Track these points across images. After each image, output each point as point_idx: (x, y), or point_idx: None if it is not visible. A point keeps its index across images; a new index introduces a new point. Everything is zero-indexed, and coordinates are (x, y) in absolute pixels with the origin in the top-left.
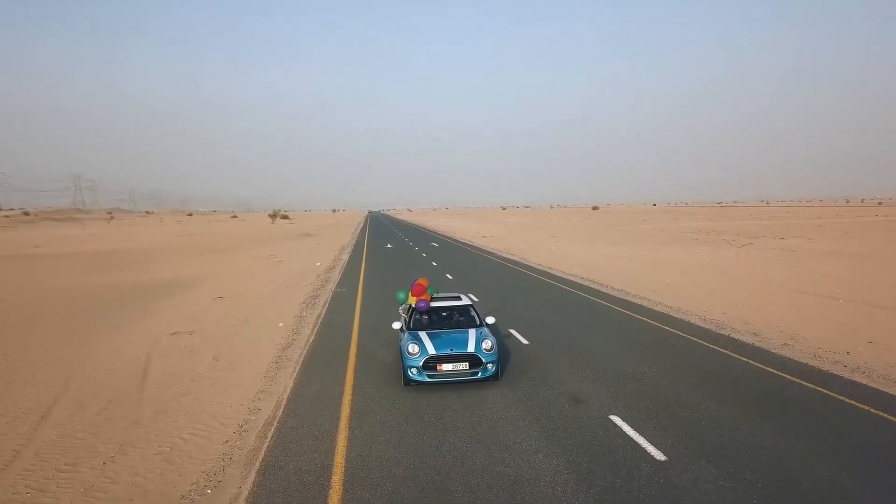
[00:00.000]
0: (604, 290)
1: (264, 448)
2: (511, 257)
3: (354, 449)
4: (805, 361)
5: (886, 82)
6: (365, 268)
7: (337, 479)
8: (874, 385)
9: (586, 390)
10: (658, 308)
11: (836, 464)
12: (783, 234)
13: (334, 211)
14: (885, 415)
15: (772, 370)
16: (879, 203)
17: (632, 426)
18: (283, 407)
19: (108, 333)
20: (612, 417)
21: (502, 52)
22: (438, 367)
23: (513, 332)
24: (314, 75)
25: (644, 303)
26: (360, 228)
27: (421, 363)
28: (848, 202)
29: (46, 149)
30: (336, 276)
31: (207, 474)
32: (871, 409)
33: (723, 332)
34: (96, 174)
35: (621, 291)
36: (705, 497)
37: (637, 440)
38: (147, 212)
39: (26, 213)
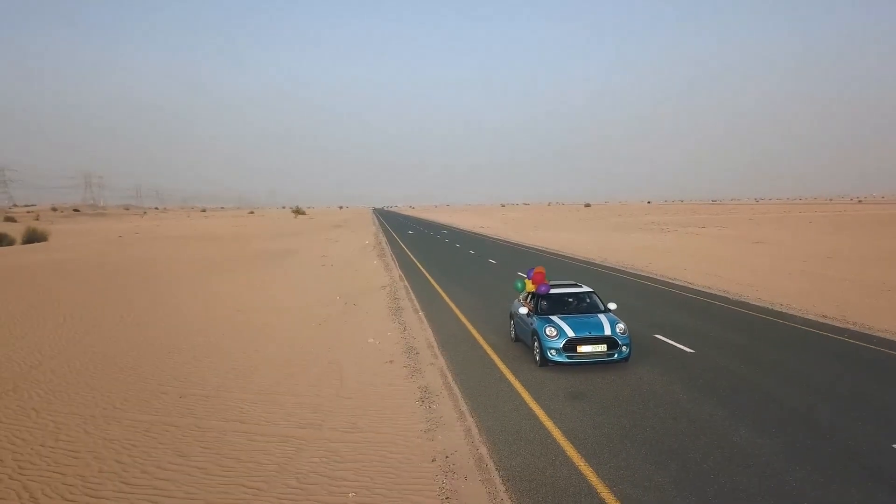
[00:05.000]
0: (547, 250)
1: (405, 278)
2: (498, 238)
3: (440, 283)
4: (635, 272)
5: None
6: (402, 243)
7: (435, 284)
8: (658, 277)
9: (499, 261)
10: (570, 254)
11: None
12: (710, 224)
13: (340, 207)
14: (649, 283)
15: (616, 274)
16: (859, 201)
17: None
18: (403, 275)
19: (287, 268)
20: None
21: (507, 51)
22: (577, 349)
23: (491, 261)
24: (316, 72)
25: (570, 255)
26: (376, 222)
27: (561, 345)
28: (831, 200)
29: (50, 146)
30: (386, 247)
31: (391, 286)
32: (648, 283)
33: (602, 263)
34: (99, 171)
35: (558, 251)
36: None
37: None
38: (155, 208)
39: (54, 209)
